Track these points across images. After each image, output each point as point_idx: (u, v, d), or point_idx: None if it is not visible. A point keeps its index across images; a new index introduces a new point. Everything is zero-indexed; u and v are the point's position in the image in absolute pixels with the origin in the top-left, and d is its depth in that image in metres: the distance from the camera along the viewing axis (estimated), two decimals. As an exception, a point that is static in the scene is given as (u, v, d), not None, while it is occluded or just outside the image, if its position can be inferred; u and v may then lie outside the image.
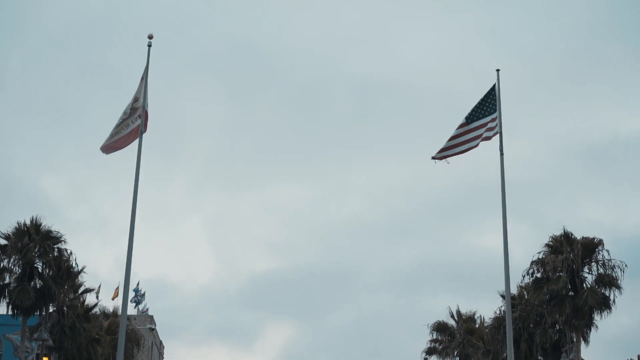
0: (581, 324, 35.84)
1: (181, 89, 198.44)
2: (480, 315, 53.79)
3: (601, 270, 36.25)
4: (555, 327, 39.99)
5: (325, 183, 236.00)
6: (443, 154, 24.32)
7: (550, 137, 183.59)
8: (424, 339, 55.96)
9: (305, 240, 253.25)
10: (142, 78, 25.10)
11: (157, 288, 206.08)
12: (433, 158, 24.59)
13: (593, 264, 36.62)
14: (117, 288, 66.83)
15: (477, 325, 53.24)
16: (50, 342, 37.21)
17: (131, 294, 74.89)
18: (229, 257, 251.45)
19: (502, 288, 44.50)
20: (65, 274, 36.43)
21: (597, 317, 36.06)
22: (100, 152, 25.16)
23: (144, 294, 75.66)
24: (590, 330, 37.18)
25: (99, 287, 55.28)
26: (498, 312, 44.59)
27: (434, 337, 55.23)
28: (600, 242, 36.41)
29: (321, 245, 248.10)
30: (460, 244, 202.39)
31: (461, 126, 24.79)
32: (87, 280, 43.66)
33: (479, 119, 25.03)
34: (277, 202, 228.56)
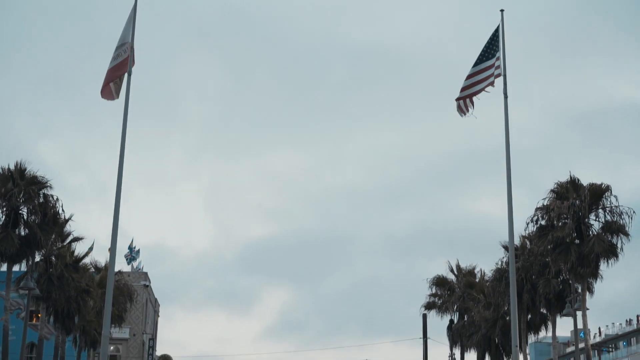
0: (587, 272, 34.67)
1: (177, 57, 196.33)
2: (481, 269, 52.83)
3: (608, 217, 35.02)
4: (559, 277, 38.82)
5: (321, 150, 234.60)
6: (463, 93, 23.04)
7: (546, 104, 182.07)
8: (420, 302, 55.03)
9: (300, 206, 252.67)
10: (129, 18, 23.68)
11: (155, 253, 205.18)
12: (457, 100, 23.32)
13: (600, 210, 35.38)
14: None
15: (477, 280, 52.27)
16: (37, 292, 35.93)
17: (124, 250, 73.95)
18: (225, 223, 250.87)
19: (500, 249, 43.97)
20: (51, 220, 35.09)
21: (603, 265, 34.93)
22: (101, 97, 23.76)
23: (138, 251, 74.74)
24: (595, 280, 36.06)
25: (92, 244, 54.22)
26: (499, 263, 43.50)
27: (433, 291, 54.23)
28: (608, 188, 35.11)
29: (317, 211, 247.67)
30: (455, 209, 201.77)
31: (472, 74, 23.76)
32: (75, 229, 42.25)
33: (488, 59, 23.92)
34: (273, 169, 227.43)
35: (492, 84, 23.46)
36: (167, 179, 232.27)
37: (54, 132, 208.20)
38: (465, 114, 22.96)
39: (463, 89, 23.19)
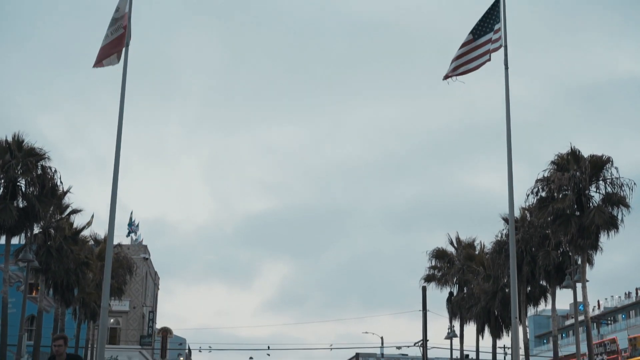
0: (587, 244, 34.60)
1: (176, 31, 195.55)
2: (481, 242, 52.80)
3: (609, 189, 34.90)
4: (559, 249, 38.76)
5: (320, 124, 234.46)
6: (455, 72, 22.28)
7: (546, 78, 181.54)
8: (419, 275, 55.08)
9: (300, 180, 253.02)
10: None
11: (155, 228, 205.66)
12: (445, 78, 22.58)
13: (600, 182, 35.24)
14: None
15: (476, 252, 52.28)
16: (36, 263, 35.92)
17: (123, 224, 73.91)
18: (225, 198, 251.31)
19: (500, 221, 43.90)
20: (49, 192, 34.99)
21: (603, 237, 34.85)
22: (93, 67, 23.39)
23: (137, 225, 74.65)
24: (595, 252, 35.98)
25: (92, 217, 54.17)
26: (499, 236, 43.44)
27: (433, 264, 54.26)
28: (609, 159, 34.94)
29: (316, 185, 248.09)
30: (454, 183, 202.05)
31: (468, 42, 22.98)
32: (74, 202, 42.14)
33: (486, 33, 23.29)
34: (273, 143, 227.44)
35: (488, 59, 22.94)
36: (167, 153, 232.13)
37: (53, 106, 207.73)
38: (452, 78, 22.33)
39: (457, 64, 22.41)
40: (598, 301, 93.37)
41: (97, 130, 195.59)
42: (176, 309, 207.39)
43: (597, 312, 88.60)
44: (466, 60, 22.11)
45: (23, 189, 34.97)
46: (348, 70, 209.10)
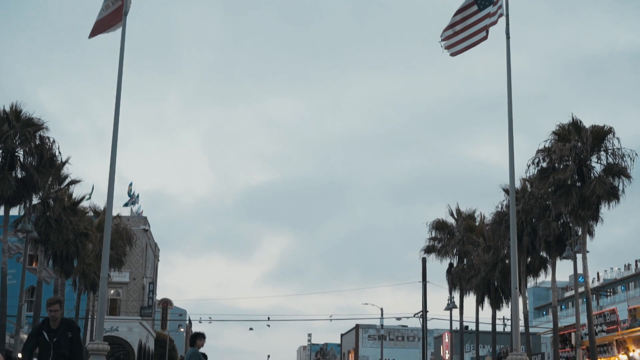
0: (587, 214, 34.51)
1: (175, 4, 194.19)
2: (481, 213, 52.71)
3: (610, 160, 34.74)
4: (560, 220, 38.67)
5: (320, 96, 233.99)
6: (454, 49, 21.65)
7: (546, 50, 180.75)
8: (419, 247, 55.04)
9: (300, 153, 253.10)
10: None
11: (155, 200, 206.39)
12: (447, 48, 21.96)
13: (602, 152, 35.07)
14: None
15: (477, 223, 52.19)
16: (35, 234, 35.81)
17: (123, 195, 73.83)
18: (225, 170, 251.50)
19: (500, 192, 43.76)
20: (48, 163, 34.78)
21: (604, 208, 34.75)
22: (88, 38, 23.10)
23: (137, 196, 74.60)
24: (596, 223, 35.90)
25: (92, 188, 54.13)
26: (499, 207, 43.33)
27: (433, 235, 54.19)
28: (611, 130, 34.74)
29: (316, 158, 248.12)
30: (454, 155, 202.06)
31: (467, 8, 22.35)
32: (73, 172, 42.00)
33: (486, 6, 22.81)
34: (272, 115, 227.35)
35: (485, 37, 22.47)
36: (167, 126, 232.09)
37: (53, 79, 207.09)
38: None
39: (457, 40, 21.81)
40: (597, 273, 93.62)
41: (97, 104, 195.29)
42: (176, 281, 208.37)
43: (596, 284, 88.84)
44: (466, 35, 21.65)
45: (21, 159, 34.75)
46: (348, 43, 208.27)
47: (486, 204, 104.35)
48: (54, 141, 35.26)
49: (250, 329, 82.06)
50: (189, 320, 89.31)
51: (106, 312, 62.50)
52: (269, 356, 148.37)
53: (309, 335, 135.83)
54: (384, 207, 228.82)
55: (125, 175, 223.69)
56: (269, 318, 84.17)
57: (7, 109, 34.88)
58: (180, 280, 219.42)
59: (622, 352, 36.81)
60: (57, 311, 10.13)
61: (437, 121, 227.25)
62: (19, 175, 34.65)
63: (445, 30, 21.38)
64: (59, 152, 35.60)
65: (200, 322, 68.52)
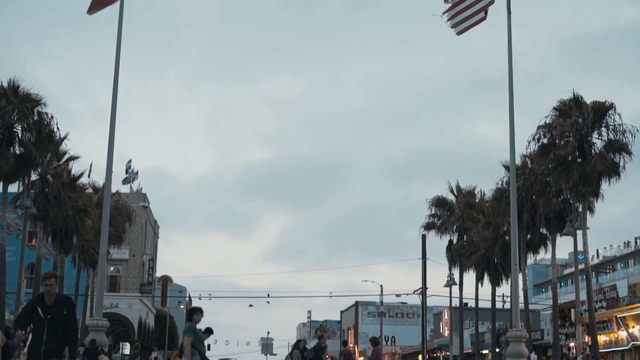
0: (588, 191, 34.40)
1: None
2: (481, 190, 52.58)
3: (611, 135, 34.56)
4: (560, 196, 38.56)
5: (320, 74, 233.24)
6: (459, 28, 21.38)
7: (547, 28, 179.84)
8: (419, 225, 54.91)
9: (299, 131, 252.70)
10: None
11: (155, 178, 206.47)
12: (453, 27, 21.66)
13: (603, 128, 34.89)
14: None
15: (476, 200, 52.08)
16: (34, 210, 35.68)
17: (123, 173, 73.68)
18: (225, 148, 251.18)
19: (500, 169, 43.58)
20: (46, 139, 34.59)
21: (605, 184, 34.63)
22: (87, 15, 22.82)
23: (136, 173, 74.35)
24: (596, 199, 35.80)
25: (91, 165, 53.92)
26: (500, 183, 43.21)
27: (433, 212, 54.06)
28: (612, 105, 34.54)
29: (315, 136, 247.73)
30: (454, 133, 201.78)
31: None
32: (71, 149, 41.85)
33: None
34: (272, 93, 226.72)
35: (484, 18, 22.10)
36: (166, 105, 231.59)
37: (52, 57, 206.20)
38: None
39: (460, 19, 21.48)
40: (597, 250, 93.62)
41: (96, 82, 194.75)
42: (176, 259, 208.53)
43: (595, 261, 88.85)
44: (466, 16, 21.33)
45: (19, 135, 34.57)
46: (348, 20, 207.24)
47: (486, 182, 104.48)
48: (52, 117, 35.09)
49: (250, 305, 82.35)
50: (189, 297, 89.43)
51: (106, 288, 62.46)
52: (268, 333, 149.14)
53: (309, 312, 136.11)
54: (383, 185, 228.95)
55: (125, 153, 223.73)
56: (268, 295, 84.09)
57: (5, 84, 34.64)
58: (180, 258, 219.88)
59: (622, 329, 36.82)
60: (52, 286, 9.73)
61: (437, 99, 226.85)
62: (17, 152, 34.47)
63: (449, 9, 21.24)
64: (57, 128, 35.47)
65: (200, 298, 68.59)
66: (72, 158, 39.93)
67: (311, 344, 37.79)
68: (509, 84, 20.34)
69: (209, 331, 23.58)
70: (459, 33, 21.23)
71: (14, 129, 34.35)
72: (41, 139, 34.29)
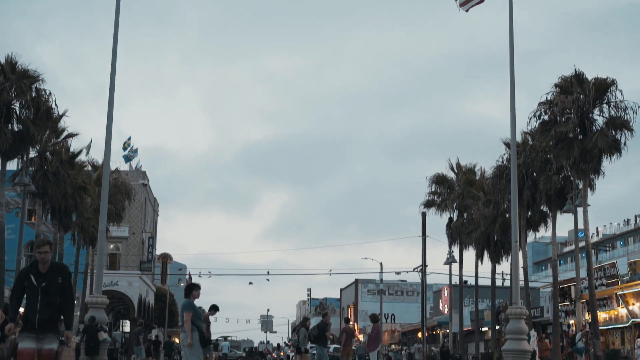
0: (589, 168, 34.27)
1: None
2: (481, 167, 52.40)
3: (613, 112, 34.38)
4: (561, 173, 38.42)
5: (320, 52, 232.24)
6: (467, 6, 21.20)
7: (548, 5, 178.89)
8: (418, 202, 54.82)
9: (299, 108, 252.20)
10: None
11: (155, 156, 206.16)
12: (461, 6, 21.42)
13: (604, 105, 34.69)
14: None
15: (477, 177, 51.93)
16: (33, 187, 35.54)
17: (121, 148, 73.47)
18: (224, 126, 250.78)
19: (501, 146, 43.36)
20: (44, 115, 34.34)
21: (606, 161, 34.49)
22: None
23: (136, 150, 74.12)
24: (597, 176, 35.67)
25: (90, 143, 53.75)
26: (500, 161, 43.04)
27: (433, 189, 53.94)
28: (613, 82, 34.32)
29: (315, 113, 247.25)
30: (454, 111, 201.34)
31: None
32: (70, 126, 41.65)
33: None
34: (271, 71, 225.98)
35: None
36: (166, 83, 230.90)
37: (52, 35, 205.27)
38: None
39: None
40: (597, 228, 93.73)
41: (96, 60, 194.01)
42: (176, 237, 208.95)
43: (595, 239, 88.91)
44: None
45: (17, 112, 34.33)
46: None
47: (486, 159, 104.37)
48: (50, 93, 34.80)
49: (250, 283, 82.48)
50: (189, 275, 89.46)
51: (105, 266, 62.46)
52: (268, 310, 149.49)
53: (309, 290, 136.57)
54: (383, 163, 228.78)
55: (124, 131, 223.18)
56: (268, 272, 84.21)
57: (3, 60, 34.36)
58: (179, 236, 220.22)
59: (622, 306, 36.82)
60: (47, 253, 9.14)
61: (437, 77, 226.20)
62: (16, 129, 34.24)
63: None
64: (56, 105, 35.19)
65: (200, 276, 68.61)
66: (71, 135, 39.72)
67: (313, 321, 37.73)
68: (510, 60, 20.16)
69: (214, 308, 23.65)
70: (467, 9, 21.04)
71: (12, 106, 34.09)
72: (39, 116, 34.03)
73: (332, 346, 44.46)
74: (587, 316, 37.04)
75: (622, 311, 36.81)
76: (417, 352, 46.34)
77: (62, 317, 9.40)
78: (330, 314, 31.68)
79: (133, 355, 39.41)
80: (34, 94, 34.18)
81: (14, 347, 9.15)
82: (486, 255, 47.96)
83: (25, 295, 9.32)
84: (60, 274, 9.29)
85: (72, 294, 9.34)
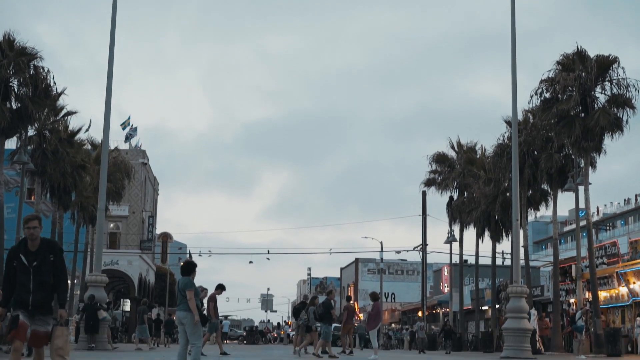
0: (590, 146, 34.11)
1: None
2: (482, 146, 52.18)
3: (615, 90, 34.17)
4: (562, 152, 38.25)
5: (320, 31, 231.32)
6: None
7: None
8: (419, 181, 54.61)
9: (299, 87, 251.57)
10: None
11: (155, 135, 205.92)
12: None
13: (606, 83, 34.49)
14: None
15: (477, 156, 51.73)
16: (31, 166, 35.41)
17: (119, 124, 73.23)
18: (224, 105, 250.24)
19: (502, 124, 43.15)
20: (43, 93, 34.10)
21: (607, 139, 34.32)
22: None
23: (135, 129, 73.83)
24: (599, 155, 35.54)
25: (90, 122, 53.61)
26: (501, 139, 42.84)
27: (433, 168, 53.78)
28: (616, 59, 34.11)
29: (315, 92, 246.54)
30: (455, 91, 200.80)
31: None
32: (69, 104, 41.45)
33: None
34: (272, 50, 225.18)
35: None
36: (165, 62, 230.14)
37: (51, 14, 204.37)
38: None
39: None
40: (597, 207, 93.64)
41: (96, 39, 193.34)
42: (176, 216, 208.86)
43: (595, 218, 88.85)
44: None
45: (15, 90, 34.11)
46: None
47: (487, 139, 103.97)
48: (48, 71, 34.53)
49: (250, 262, 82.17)
50: (189, 254, 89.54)
51: (106, 245, 62.41)
52: (268, 289, 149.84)
53: (309, 269, 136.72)
54: (384, 142, 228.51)
55: (124, 110, 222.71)
56: (268, 252, 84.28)
57: (0, 38, 34.07)
58: (180, 216, 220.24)
59: (623, 285, 36.74)
60: (35, 229, 8.55)
61: (438, 55, 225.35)
62: (14, 107, 34.04)
63: None
64: (54, 83, 34.93)
65: (200, 255, 68.63)
66: (70, 113, 39.50)
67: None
68: (512, 34, 20.00)
69: (221, 287, 23.86)
70: None
71: (10, 83, 33.88)
72: (37, 94, 33.80)
73: (332, 325, 44.42)
74: (588, 295, 36.99)
75: (623, 290, 36.71)
76: (420, 330, 46.34)
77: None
78: (334, 292, 31.78)
79: (133, 334, 39.43)
80: (32, 72, 33.95)
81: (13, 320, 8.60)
82: (487, 234, 47.86)
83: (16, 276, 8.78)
84: (52, 251, 8.74)
85: (64, 271, 8.85)
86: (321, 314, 25.22)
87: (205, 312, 26.15)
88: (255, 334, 70.30)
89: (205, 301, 24.04)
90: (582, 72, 34.02)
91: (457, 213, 51.37)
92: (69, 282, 50.24)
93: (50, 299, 8.73)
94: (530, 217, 45.70)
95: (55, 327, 8.72)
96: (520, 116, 38.76)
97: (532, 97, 35.66)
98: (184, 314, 12.97)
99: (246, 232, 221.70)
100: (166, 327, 41.65)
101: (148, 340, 35.36)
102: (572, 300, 40.40)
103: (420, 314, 65.06)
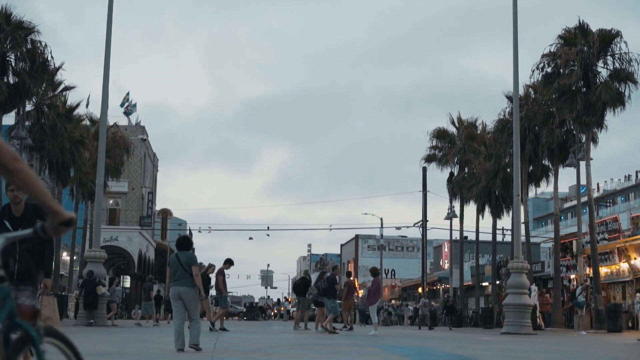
0: (592, 121, 33.88)
1: None
2: (482, 121, 51.89)
3: (617, 65, 33.88)
4: (563, 127, 38.01)
5: (320, 6, 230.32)
6: None
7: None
8: (419, 157, 54.35)
9: (299, 64, 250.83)
10: None
11: (155, 112, 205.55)
12: None
13: (609, 57, 34.19)
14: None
15: (478, 132, 51.45)
16: (29, 141, 35.19)
17: (119, 102, 72.93)
18: (224, 82, 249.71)
19: (503, 100, 42.86)
20: (40, 68, 33.82)
21: (609, 114, 34.08)
22: None
23: (135, 105, 73.51)
24: (600, 130, 35.32)
25: (88, 97, 53.27)
26: (502, 114, 42.57)
27: (434, 144, 53.48)
28: (618, 33, 33.80)
29: (315, 69, 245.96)
30: (455, 67, 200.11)
31: None
32: (67, 79, 41.10)
33: None
34: (271, 26, 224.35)
35: None
36: (165, 39, 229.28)
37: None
38: None
39: None
40: (598, 184, 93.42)
41: (96, 16, 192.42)
42: (176, 193, 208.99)
43: (596, 194, 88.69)
44: None
45: (13, 64, 33.84)
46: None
47: (488, 115, 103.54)
48: (45, 45, 34.28)
49: (250, 238, 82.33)
50: (189, 231, 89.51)
51: (105, 221, 62.21)
52: (268, 265, 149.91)
53: (309, 245, 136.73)
54: (384, 119, 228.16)
55: (124, 88, 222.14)
56: (268, 228, 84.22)
57: (-4, 12, 33.78)
58: (179, 192, 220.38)
59: (624, 260, 36.65)
60: (19, 191, 7.63)
61: (438, 32, 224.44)
62: (11, 81, 33.78)
63: None
64: (52, 57, 34.64)
65: (200, 231, 68.48)
66: (68, 88, 39.20)
67: (313, 277, 37.75)
68: (513, 6, 19.75)
69: (229, 262, 24.37)
70: None
71: (7, 58, 33.61)
72: (35, 68, 33.53)
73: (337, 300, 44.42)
74: (589, 271, 36.90)
75: (624, 265, 36.63)
76: (423, 306, 46.39)
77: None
78: (339, 269, 31.80)
79: (133, 310, 39.43)
80: (29, 46, 33.66)
81: None
82: (487, 210, 47.73)
83: None
84: (38, 215, 8.16)
85: (51, 239, 8.48)
86: (325, 289, 25.30)
87: (213, 286, 26.39)
88: (255, 310, 70.30)
89: (212, 276, 24.32)
90: (584, 46, 33.71)
91: (458, 189, 51.17)
92: (68, 258, 50.16)
93: (36, 269, 8.30)
94: (531, 193, 45.55)
95: (42, 297, 8.39)
96: (521, 91, 38.49)
97: (533, 71, 35.42)
98: (186, 289, 12.79)
99: (246, 208, 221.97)
100: (166, 303, 41.63)
101: (154, 317, 35.36)
102: (572, 276, 40.33)
103: (420, 290, 65.06)
